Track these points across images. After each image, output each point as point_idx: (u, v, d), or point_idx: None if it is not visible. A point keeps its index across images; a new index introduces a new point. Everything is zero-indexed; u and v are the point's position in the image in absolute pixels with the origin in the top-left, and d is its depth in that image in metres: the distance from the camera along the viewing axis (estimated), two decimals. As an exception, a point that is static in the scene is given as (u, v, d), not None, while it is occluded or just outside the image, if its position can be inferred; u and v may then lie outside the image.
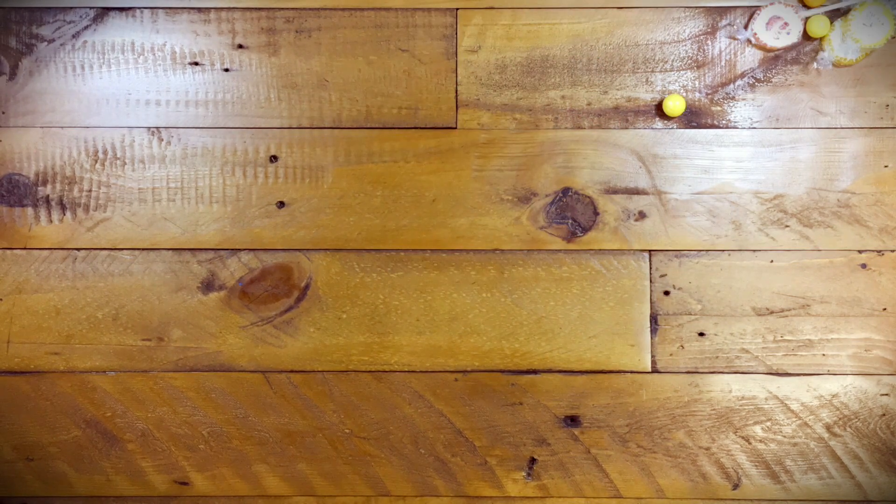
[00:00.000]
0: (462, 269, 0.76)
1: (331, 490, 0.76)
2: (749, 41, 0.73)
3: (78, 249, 0.77)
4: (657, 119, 0.77)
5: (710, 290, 0.76)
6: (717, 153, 0.76)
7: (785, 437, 0.75)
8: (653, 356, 0.76)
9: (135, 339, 0.76)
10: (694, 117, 0.77)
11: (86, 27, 0.77)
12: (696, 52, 0.76)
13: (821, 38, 0.73)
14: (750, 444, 0.76)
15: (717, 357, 0.76)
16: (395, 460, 0.76)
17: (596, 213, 0.76)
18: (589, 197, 0.76)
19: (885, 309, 0.75)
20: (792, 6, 0.73)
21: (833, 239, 0.76)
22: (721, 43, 0.77)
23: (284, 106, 0.77)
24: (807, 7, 0.74)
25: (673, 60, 0.77)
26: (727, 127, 0.76)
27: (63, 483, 0.76)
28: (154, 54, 0.77)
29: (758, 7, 0.74)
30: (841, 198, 0.76)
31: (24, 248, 0.77)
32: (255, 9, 0.77)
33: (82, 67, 0.77)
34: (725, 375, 0.76)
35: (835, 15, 0.74)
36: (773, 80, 0.77)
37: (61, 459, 0.76)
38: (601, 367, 0.76)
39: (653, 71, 0.77)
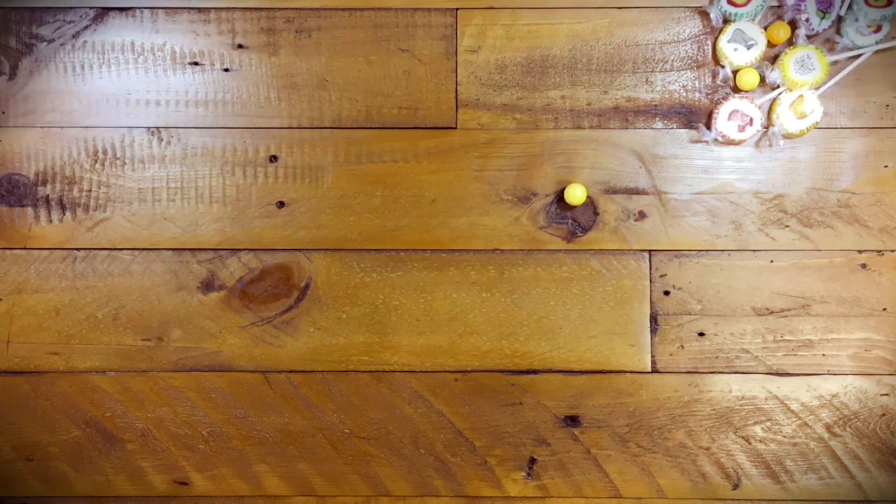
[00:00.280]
0: (462, 269, 0.76)
1: (331, 490, 0.76)
2: (717, 140, 0.75)
3: (78, 249, 0.77)
4: (657, 119, 0.77)
5: (710, 290, 0.76)
6: (717, 153, 0.76)
7: (785, 437, 0.75)
8: (653, 356, 0.76)
9: (135, 339, 0.76)
10: (694, 117, 0.77)
11: (86, 27, 0.77)
12: (696, 52, 0.76)
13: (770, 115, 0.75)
14: (750, 444, 0.76)
15: (717, 357, 0.76)
16: (395, 460, 0.76)
17: (596, 213, 0.76)
18: (589, 197, 0.76)
19: (885, 309, 0.75)
20: (747, 97, 0.74)
21: (833, 239, 0.76)
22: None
23: (284, 106, 0.77)
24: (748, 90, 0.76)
25: (673, 60, 0.77)
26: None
27: (63, 483, 0.76)
28: (154, 54, 0.77)
29: (714, 106, 0.75)
30: (841, 198, 0.76)
31: (24, 248, 0.77)
32: (255, 9, 0.77)
33: (82, 67, 0.77)
34: (725, 375, 0.76)
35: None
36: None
37: (61, 459, 0.76)
38: (601, 367, 0.76)
39: (653, 71, 0.77)
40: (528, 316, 0.76)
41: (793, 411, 0.75)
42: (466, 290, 0.76)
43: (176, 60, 0.77)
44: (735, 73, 0.75)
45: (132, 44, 0.77)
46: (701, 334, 0.76)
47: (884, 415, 0.75)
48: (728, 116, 0.73)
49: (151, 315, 0.76)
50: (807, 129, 0.74)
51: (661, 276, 0.76)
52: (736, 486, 0.76)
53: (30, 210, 0.77)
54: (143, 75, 0.77)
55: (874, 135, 0.76)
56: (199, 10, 0.77)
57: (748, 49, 0.74)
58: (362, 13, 0.77)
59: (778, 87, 0.75)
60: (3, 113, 0.77)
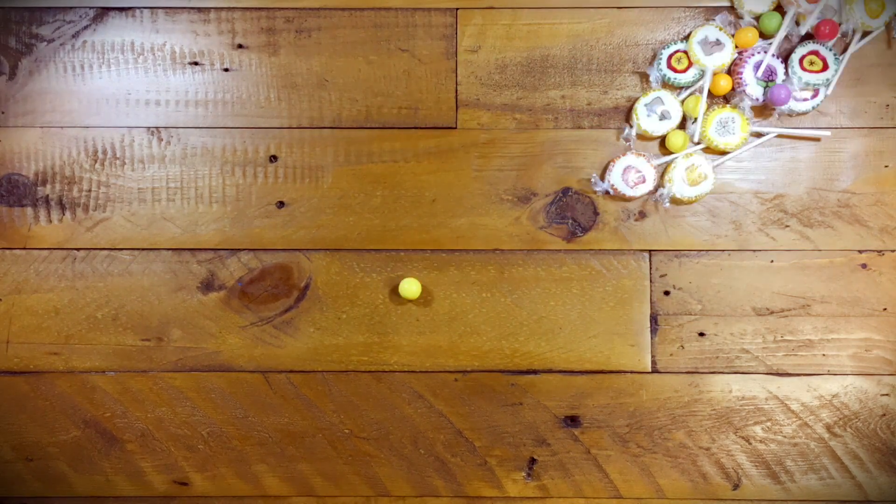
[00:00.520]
0: (462, 269, 0.76)
1: (331, 490, 0.76)
2: (608, 192, 0.75)
3: (77, 249, 0.76)
4: (657, 119, 0.77)
5: (711, 290, 0.76)
6: (718, 153, 0.76)
7: (785, 437, 0.75)
8: (653, 356, 0.76)
9: (134, 340, 0.76)
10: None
11: (85, 27, 0.77)
12: (696, 52, 0.76)
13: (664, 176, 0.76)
14: (750, 444, 0.75)
15: (717, 357, 0.76)
16: (395, 460, 0.76)
17: (596, 213, 0.76)
18: (589, 197, 0.76)
19: (885, 309, 0.75)
20: (644, 155, 0.74)
21: (833, 239, 0.76)
22: (721, 43, 0.77)
23: (284, 106, 0.77)
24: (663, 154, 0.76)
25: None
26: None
27: (62, 483, 0.76)
28: (154, 54, 0.77)
29: (612, 159, 0.75)
30: (841, 198, 0.76)
31: (24, 248, 0.76)
32: (255, 9, 0.77)
33: (82, 67, 0.77)
34: (725, 375, 0.76)
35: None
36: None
37: (61, 460, 0.76)
38: (601, 367, 0.76)
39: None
40: (528, 316, 0.76)
41: (793, 411, 0.75)
42: (466, 290, 0.76)
43: (176, 60, 0.77)
44: (639, 136, 0.76)
45: (132, 44, 0.77)
46: (701, 334, 0.76)
47: (884, 415, 0.75)
48: (622, 171, 0.74)
49: (151, 315, 0.76)
50: (696, 197, 0.74)
51: (662, 276, 0.76)
52: (736, 487, 0.76)
53: (29, 210, 0.77)
54: (142, 75, 0.77)
55: (874, 135, 0.76)
56: (199, 10, 0.77)
57: (660, 120, 0.74)
58: (362, 13, 0.77)
59: (698, 142, 0.75)
60: (3, 113, 0.77)
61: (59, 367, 0.76)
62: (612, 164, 0.75)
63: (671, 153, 0.75)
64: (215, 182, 0.77)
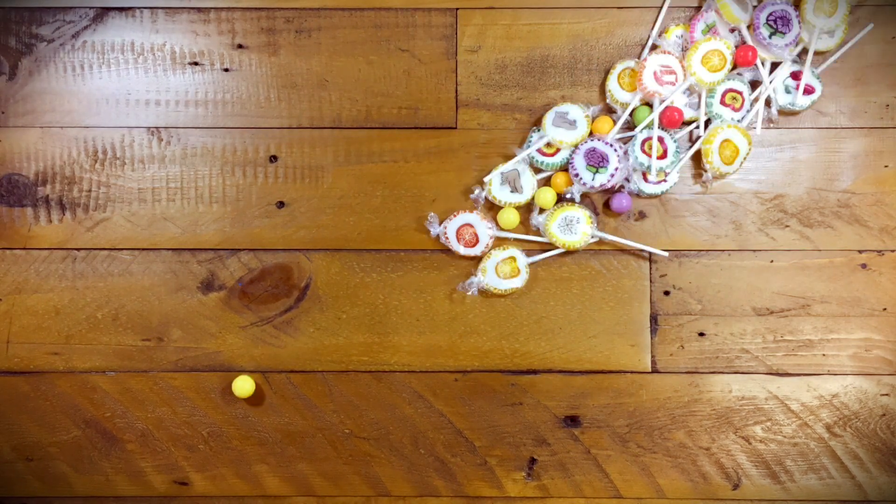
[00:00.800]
0: (462, 269, 0.76)
1: (331, 490, 0.76)
2: (438, 237, 0.75)
3: (78, 249, 0.76)
4: (657, 119, 0.77)
5: (710, 290, 0.76)
6: (717, 153, 0.76)
7: (785, 437, 0.75)
8: (653, 356, 0.76)
9: (134, 340, 0.76)
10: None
11: (85, 27, 0.77)
12: (696, 52, 0.76)
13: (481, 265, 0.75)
14: (750, 444, 0.76)
15: (717, 357, 0.76)
16: (395, 460, 0.76)
17: (596, 214, 0.76)
18: (589, 197, 0.76)
19: (885, 309, 0.75)
20: (486, 220, 0.74)
21: (833, 239, 0.76)
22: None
23: (284, 106, 0.77)
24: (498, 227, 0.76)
25: (673, 60, 0.77)
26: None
27: (63, 483, 0.76)
28: (154, 54, 0.77)
29: (454, 212, 0.75)
30: (841, 198, 0.76)
31: (24, 249, 0.76)
32: (255, 9, 0.77)
33: (82, 67, 0.77)
34: (725, 375, 0.76)
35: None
36: (773, 79, 0.76)
37: (61, 459, 0.76)
38: (601, 367, 0.76)
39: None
40: (528, 316, 0.76)
41: (793, 411, 0.75)
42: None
43: (176, 60, 0.77)
44: (498, 207, 0.75)
45: (132, 44, 0.77)
46: (701, 334, 0.76)
47: (884, 415, 0.75)
48: (457, 228, 0.74)
49: (151, 315, 0.76)
50: (505, 290, 0.74)
51: (662, 276, 0.76)
52: (736, 487, 0.76)
53: (29, 210, 0.77)
54: (142, 75, 0.77)
55: (874, 135, 0.76)
56: (199, 10, 0.77)
57: (510, 193, 0.74)
58: (362, 13, 0.77)
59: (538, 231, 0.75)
60: (3, 113, 0.77)
61: (60, 367, 0.76)
62: (452, 216, 0.74)
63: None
64: (215, 182, 0.77)
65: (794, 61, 0.74)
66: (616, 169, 0.72)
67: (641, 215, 0.76)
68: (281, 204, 0.77)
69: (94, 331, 0.76)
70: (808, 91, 0.74)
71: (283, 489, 0.76)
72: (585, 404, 0.76)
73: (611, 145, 0.72)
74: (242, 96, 0.77)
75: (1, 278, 0.76)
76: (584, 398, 0.76)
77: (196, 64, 0.77)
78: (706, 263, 0.76)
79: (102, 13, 0.77)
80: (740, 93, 0.74)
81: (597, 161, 0.72)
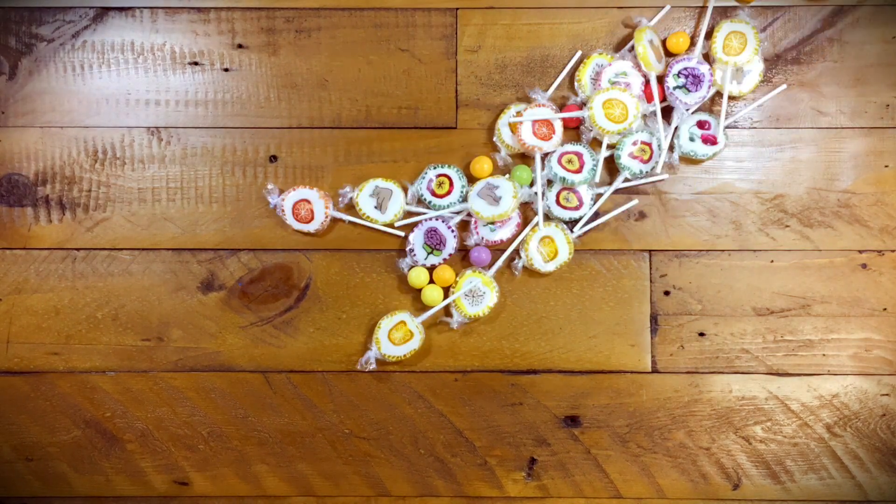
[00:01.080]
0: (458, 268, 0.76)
1: (331, 490, 0.76)
2: (276, 208, 0.74)
3: (77, 249, 0.76)
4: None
5: (711, 290, 0.76)
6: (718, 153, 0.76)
7: (785, 437, 0.75)
8: (653, 356, 0.76)
9: (134, 340, 0.76)
10: (694, 117, 0.76)
11: (85, 27, 0.77)
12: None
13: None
14: (750, 444, 0.75)
15: (717, 357, 0.76)
16: (395, 460, 0.76)
17: (596, 214, 0.76)
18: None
19: (885, 309, 0.75)
20: (324, 200, 0.74)
21: (833, 239, 0.76)
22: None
23: (284, 106, 0.77)
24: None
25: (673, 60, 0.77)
26: (727, 127, 0.76)
27: (63, 483, 0.76)
28: (154, 54, 0.77)
29: (294, 186, 0.75)
30: (841, 198, 0.76)
31: (24, 248, 0.76)
32: (255, 8, 0.77)
33: (82, 67, 0.77)
34: (725, 375, 0.76)
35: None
36: (773, 79, 0.77)
37: (61, 459, 0.76)
38: (601, 368, 0.76)
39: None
40: (528, 316, 0.76)
41: (793, 411, 0.75)
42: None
43: (176, 60, 0.77)
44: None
45: (132, 44, 0.77)
46: (701, 334, 0.76)
47: (884, 415, 0.75)
48: (294, 203, 0.74)
49: (151, 315, 0.76)
50: (403, 356, 0.74)
51: (662, 276, 0.76)
52: (736, 487, 0.76)
53: (29, 210, 0.77)
54: (142, 75, 0.77)
55: (874, 135, 0.76)
56: (199, 9, 0.77)
57: (373, 208, 0.74)
58: (362, 13, 0.77)
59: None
60: (3, 113, 0.77)
61: (60, 367, 0.76)
62: (294, 188, 0.74)
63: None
64: (215, 182, 0.77)
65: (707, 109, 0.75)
66: (450, 255, 0.73)
67: (641, 215, 0.76)
68: (281, 204, 0.77)
69: (94, 331, 0.76)
70: (711, 142, 0.74)
71: (283, 489, 0.76)
72: (585, 404, 0.76)
73: (452, 230, 0.73)
74: (242, 96, 0.77)
75: (1, 278, 0.76)
76: (584, 398, 0.76)
77: (196, 64, 0.77)
78: (706, 263, 0.76)
79: (102, 13, 0.77)
80: (649, 144, 0.74)
81: (435, 242, 0.73)
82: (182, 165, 0.77)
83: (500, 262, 0.74)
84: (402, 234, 0.75)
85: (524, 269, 0.75)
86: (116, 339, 0.76)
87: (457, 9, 0.77)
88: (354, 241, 0.76)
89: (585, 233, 0.75)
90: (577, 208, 0.74)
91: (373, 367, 0.74)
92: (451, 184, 0.74)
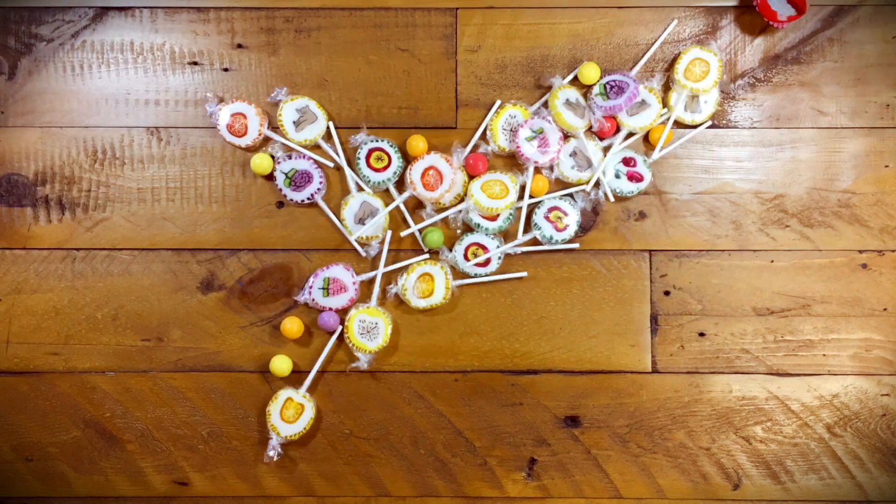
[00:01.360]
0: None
1: (331, 490, 0.76)
2: (217, 124, 0.75)
3: (77, 249, 0.76)
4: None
5: (711, 290, 0.76)
6: (718, 153, 0.76)
7: (785, 437, 0.75)
8: (653, 356, 0.76)
9: (134, 340, 0.76)
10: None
11: (85, 27, 0.77)
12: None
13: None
14: (750, 444, 0.75)
15: (717, 357, 0.76)
16: (395, 460, 0.76)
17: (596, 214, 0.76)
18: (589, 196, 0.76)
19: (885, 309, 0.75)
20: (260, 117, 0.74)
21: (833, 239, 0.75)
22: (721, 42, 0.77)
23: (284, 106, 0.77)
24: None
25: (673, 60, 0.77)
26: (727, 127, 0.76)
27: (62, 483, 0.76)
28: (153, 54, 0.77)
29: (233, 99, 0.75)
30: (841, 198, 0.76)
31: (24, 248, 0.76)
32: (255, 8, 0.77)
33: (81, 67, 0.77)
34: (726, 376, 0.76)
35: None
36: (773, 79, 0.77)
37: (60, 460, 0.76)
38: (601, 368, 0.76)
39: (653, 71, 0.77)
40: (528, 316, 0.76)
41: (793, 411, 0.75)
42: (467, 290, 0.76)
43: (175, 60, 0.77)
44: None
45: (131, 43, 0.77)
46: (701, 334, 0.76)
47: (884, 415, 0.75)
48: (231, 115, 0.74)
49: (151, 315, 0.76)
50: (303, 429, 0.73)
51: (662, 276, 0.76)
52: (736, 487, 0.76)
53: (29, 210, 0.76)
54: (142, 75, 0.77)
55: (874, 135, 0.76)
56: (199, 9, 0.77)
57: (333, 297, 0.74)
58: (362, 13, 0.77)
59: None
60: (3, 113, 0.77)
61: (59, 368, 0.76)
62: (233, 100, 0.74)
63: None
64: (215, 182, 0.77)
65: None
66: (350, 300, 0.74)
67: (642, 215, 0.76)
68: (281, 204, 0.76)
69: (94, 331, 0.76)
70: (637, 179, 0.74)
71: (283, 489, 0.76)
72: (585, 404, 0.76)
73: (354, 282, 0.74)
74: (242, 96, 0.77)
75: (1, 278, 0.76)
76: (584, 398, 0.76)
77: (196, 64, 0.77)
78: (706, 263, 0.76)
79: (102, 13, 0.77)
80: (566, 213, 0.74)
81: (336, 289, 0.73)
82: (182, 165, 0.77)
83: (376, 290, 0.74)
84: (356, 245, 0.75)
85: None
86: (116, 340, 0.76)
87: (457, 9, 0.77)
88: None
89: (466, 285, 0.75)
90: (485, 265, 0.74)
91: (279, 454, 0.73)
92: (390, 159, 0.75)
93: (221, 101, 0.75)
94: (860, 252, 0.75)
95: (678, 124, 0.76)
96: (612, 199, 0.74)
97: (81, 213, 0.76)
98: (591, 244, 0.76)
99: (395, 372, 0.76)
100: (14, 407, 0.76)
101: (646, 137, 0.76)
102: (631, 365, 0.76)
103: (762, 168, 0.76)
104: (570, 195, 0.75)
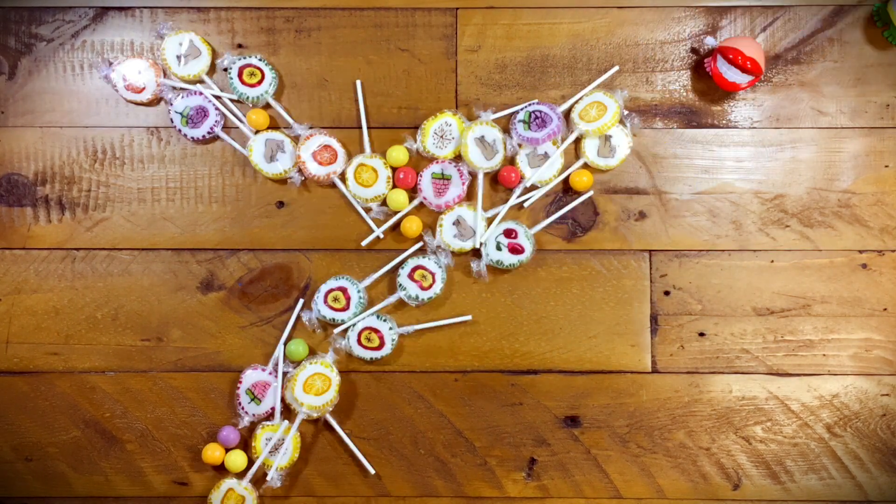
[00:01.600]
0: (462, 270, 0.76)
1: (331, 490, 0.76)
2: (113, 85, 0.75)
3: (77, 249, 0.76)
4: (657, 119, 0.77)
5: (711, 290, 0.76)
6: (718, 153, 0.76)
7: (785, 437, 0.75)
8: (653, 356, 0.76)
9: (134, 340, 0.76)
10: (694, 117, 0.76)
11: (85, 27, 0.77)
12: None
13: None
14: (750, 444, 0.75)
15: (717, 357, 0.76)
16: (395, 460, 0.76)
17: (596, 213, 0.76)
18: (589, 196, 0.76)
19: (885, 309, 0.75)
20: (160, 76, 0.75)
21: (833, 239, 0.75)
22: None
23: (284, 106, 0.77)
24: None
25: (673, 60, 0.77)
26: (727, 127, 0.76)
27: (62, 483, 0.76)
28: (153, 54, 0.77)
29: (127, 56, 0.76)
30: (841, 198, 0.76)
31: (24, 248, 0.76)
32: (255, 8, 0.77)
33: (81, 67, 0.77)
34: (726, 376, 0.76)
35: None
36: (773, 79, 0.77)
37: (60, 460, 0.76)
38: (601, 368, 0.76)
39: (653, 71, 0.77)
40: (528, 316, 0.76)
41: (793, 411, 0.75)
42: (467, 290, 0.76)
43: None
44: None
45: (131, 43, 0.77)
46: (701, 334, 0.76)
47: (884, 415, 0.75)
48: (125, 73, 0.74)
49: (151, 315, 0.76)
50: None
51: (662, 276, 0.76)
52: (736, 487, 0.76)
53: (29, 210, 0.76)
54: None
55: (874, 135, 0.76)
56: (199, 9, 0.77)
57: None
58: (362, 13, 0.77)
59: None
60: (3, 113, 0.77)
61: (59, 367, 0.76)
62: (128, 57, 0.75)
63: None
64: (215, 182, 0.77)
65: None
66: (270, 409, 0.74)
67: (642, 215, 0.76)
68: (281, 204, 0.77)
69: (94, 331, 0.76)
70: (518, 251, 0.73)
71: (283, 489, 0.76)
72: (585, 404, 0.76)
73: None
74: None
75: (1, 278, 0.76)
76: (584, 398, 0.76)
77: (196, 64, 0.77)
78: (706, 263, 0.76)
79: (102, 13, 0.77)
80: (431, 273, 0.74)
81: (258, 392, 0.73)
82: (182, 165, 0.77)
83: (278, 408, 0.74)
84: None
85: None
86: (116, 339, 0.76)
87: (457, 9, 0.77)
88: (354, 242, 0.76)
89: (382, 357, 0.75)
90: (378, 348, 0.74)
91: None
92: (263, 74, 0.75)
93: (111, 64, 0.75)
94: (860, 252, 0.75)
95: (591, 168, 0.75)
96: (486, 277, 0.74)
97: (81, 213, 0.76)
98: (591, 244, 0.76)
99: (395, 372, 0.76)
100: (14, 407, 0.76)
101: (566, 182, 0.76)
102: (631, 365, 0.76)
103: (762, 168, 0.76)
104: (435, 253, 0.74)
